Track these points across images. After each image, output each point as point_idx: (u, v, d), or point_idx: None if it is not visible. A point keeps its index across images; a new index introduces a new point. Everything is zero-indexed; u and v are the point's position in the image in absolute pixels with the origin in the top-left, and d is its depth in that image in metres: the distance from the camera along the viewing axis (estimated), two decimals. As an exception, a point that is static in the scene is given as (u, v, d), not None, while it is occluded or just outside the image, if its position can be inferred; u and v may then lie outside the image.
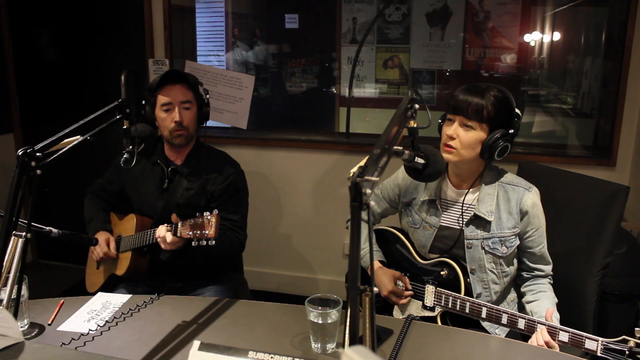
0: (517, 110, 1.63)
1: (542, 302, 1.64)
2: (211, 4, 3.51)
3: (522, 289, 1.75)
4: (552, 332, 1.44)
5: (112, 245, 2.00)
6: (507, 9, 3.02)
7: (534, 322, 1.48)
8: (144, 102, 1.97)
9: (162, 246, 1.76)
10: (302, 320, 1.43)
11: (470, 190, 1.72)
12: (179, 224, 1.69)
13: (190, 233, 1.64)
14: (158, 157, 2.05)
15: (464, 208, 1.71)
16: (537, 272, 1.72)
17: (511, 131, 1.61)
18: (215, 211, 1.63)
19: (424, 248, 1.77)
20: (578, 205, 1.91)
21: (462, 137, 1.61)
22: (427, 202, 1.77)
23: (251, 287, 2.27)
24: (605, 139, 2.94)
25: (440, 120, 1.71)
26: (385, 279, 1.76)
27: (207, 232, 1.62)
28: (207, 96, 2.06)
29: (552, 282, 1.73)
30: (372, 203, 0.91)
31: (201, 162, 2.03)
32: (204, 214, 1.63)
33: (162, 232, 1.75)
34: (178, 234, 1.69)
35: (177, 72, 1.99)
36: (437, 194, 1.75)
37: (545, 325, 1.46)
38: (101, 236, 2.01)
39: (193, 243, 1.66)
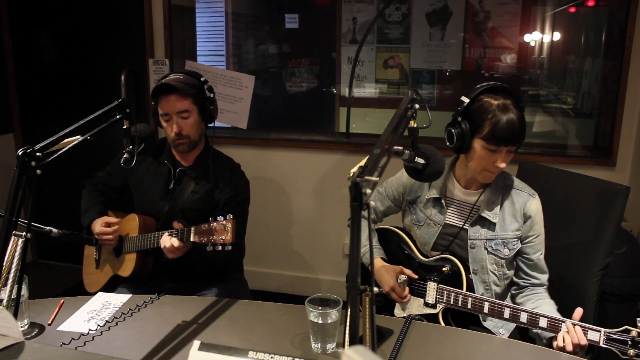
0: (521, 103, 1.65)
1: (543, 308, 1.63)
2: (211, 4, 3.51)
3: (520, 300, 1.74)
4: (556, 324, 1.45)
5: (113, 220, 1.96)
6: (507, 9, 3.02)
7: (536, 315, 1.49)
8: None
9: (169, 255, 1.76)
10: (302, 320, 1.43)
11: (476, 191, 1.73)
12: (192, 229, 1.68)
13: (205, 239, 1.63)
14: (165, 158, 2.03)
15: (468, 209, 1.72)
16: (533, 281, 1.72)
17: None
18: (230, 216, 1.61)
19: (427, 245, 1.77)
20: (578, 205, 1.90)
21: (507, 161, 1.63)
22: (432, 200, 1.77)
23: (251, 287, 2.27)
24: (605, 139, 2.94)
25: (455, 132, 1.62)
26: (387, 276, 1.76)
27: (223, 237, 1.60)
28: (212, 95, 1.98)
29: (547, 290, 1.73)
30: (372, 203, 0.90)
31: (209, 167, 2.00)
32: (218, 219, 1.62)
33: (168, 243, 1.74)
34: (191, 239, 1.68)
35: (167, 85, 1.89)
36: (442, 192, 1.76)
37: (547, 318, 1.46)
38: (98, 223, 1.97)
39: (208, 248, 1.64)
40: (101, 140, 1.47)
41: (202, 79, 1.99)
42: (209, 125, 2.05)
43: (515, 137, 1.58)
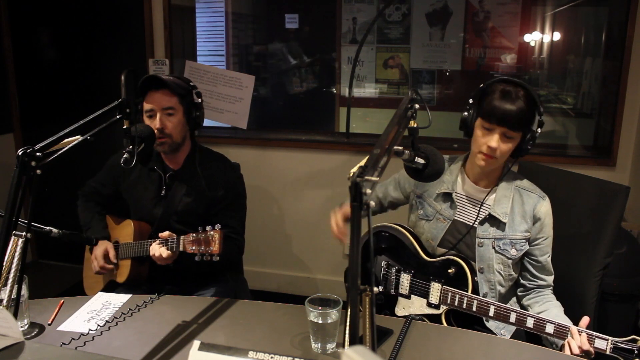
0: (541, 108, 1.63)
1: (551, 311, 1.64)
2: (211, 4, 3.51)
3: (526, 302, 1.74)
4: (563, 330, 1.45)
5: (112, 253, 1.96)
6: (507, 9, 3.02)
7: (543, 320, 1.48)
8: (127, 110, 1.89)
9: (158, 262, 1.76)
10: (302, 320, 1.42)
11: (487, 189, 1.72)
12: (182, 238, 1.67)
13: (194, 248, 1.63)
14: (154, 163, 2.00)
15: (478, 206, 1.71)
16: (539, 282, 1.72)
17: (539, 130, 1.62)
18: (218, 226, 1.60)
19: (434, 240, 1.76)
20: (578, 205, 1.90)
21: (503, 148, 1.61)
22: (442, 194, 1.77)
23: (251, 287, 2.27)
24: (605, 139, 2.94)
25: (466, 114, 1.65)
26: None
27: (211, 248, 1.60)
28: (200, 100, 1.97)
29: (553, 291, 1.73)
30: (372, 203, 0.90)
31: (200, 167, 1.99)
32: (206, 229, 1.61)
33: (157, 252, 1.73)
34: (181, 249, 1.67)
35: (157, 78, 1.89)
36: (453, 187, 1.76)
37: (554, 323, 1.46)
38: (99, 247, 1.98)
39: (197, 258, 1.63)
40: (101, 140, 1.47)
41: (191, 84, 1.98)
42: (194, 130, 2.03)
43: (511, 119, 1.56)
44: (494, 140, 1.59)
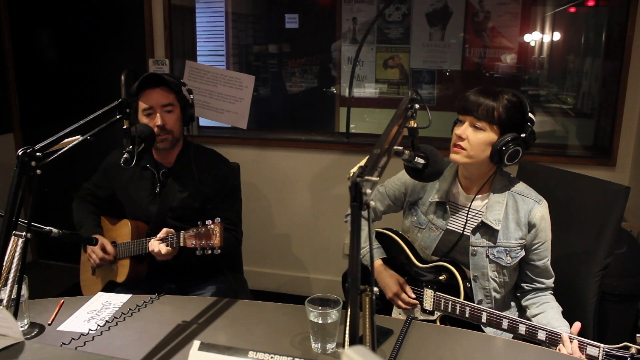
0: (530, 115, 1.59)
1: (548, 313, 1.62)
2: (211, 4, 3.51)
3: (524, 303, 1.72)
4: (554, 337, 1.44)
5: (109, 247, 1.97)
6: (507, 9, 3.02)
7: (535, 327, 1.47)
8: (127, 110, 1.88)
9: (157, 258, 1.76)
10: (302, 320, 1.43)
11: (480, 196, 1.69)
12: (182, 233, 1.67)
13: (195, 243, 1.63)
14: (147, 162, 2.00)
15: (471, 214, 1.69)
16: (538, 285, 1.70)
17: (523, 135, 1.57)
18: (218, 219, 1.61)
19: (428, 250, 1.74)
20: (578, 205, 1.90)
21: (472, 138, 1.59)
22: (435, 203, 1.74)
23: (251, 287, 2.27)
24: (605, 139, 2.94)
25: (453, 124, 1.69)
26: (390, 281, 1.75)
27: (212, 241, 1.61)
28: (192, 96, 2.00)
29: (553, 293, 1.71)
30: (372, 203, 0.90)
31: (192, 163, 2.00)
32: (206, 222, 1.61)
33: (156, 248, 1.73)
34: (181, 244, 1.67)
35: (156, 75, 1.91)
36: (446, 196, 1.73)
37: (546, 330, 1.45)
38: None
39: (197, 252, 1.64)
40: (101, 140, 1.47)
41: (182, 80, 2.01)
42: (185, 126, 2.03)
43: (478, 108, 1.57)
44: (461, 129, 1.61)
